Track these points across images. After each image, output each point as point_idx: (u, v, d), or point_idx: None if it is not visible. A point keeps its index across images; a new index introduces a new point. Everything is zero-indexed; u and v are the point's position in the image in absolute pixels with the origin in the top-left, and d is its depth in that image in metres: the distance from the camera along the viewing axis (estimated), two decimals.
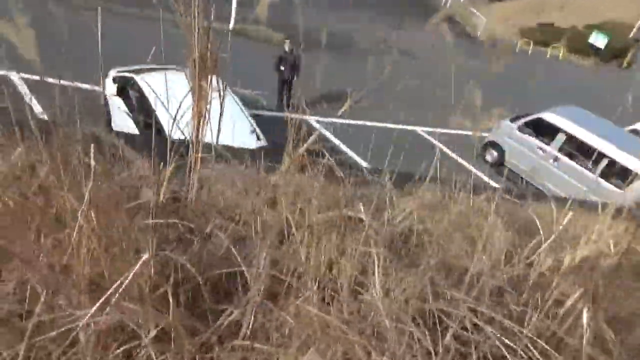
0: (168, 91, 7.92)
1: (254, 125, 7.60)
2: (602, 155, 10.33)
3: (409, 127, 13.09)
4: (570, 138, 10.80)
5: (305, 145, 2.59)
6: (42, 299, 1.47)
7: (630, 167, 10.00)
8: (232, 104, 7.91)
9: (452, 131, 13.47)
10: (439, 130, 13.25)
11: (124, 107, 8.16)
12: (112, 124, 8.91)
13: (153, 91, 7.45)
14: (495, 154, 12.16)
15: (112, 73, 9.19)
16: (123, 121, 8.27)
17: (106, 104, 9.20)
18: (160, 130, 6.81)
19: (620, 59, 28.73)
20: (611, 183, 10.25)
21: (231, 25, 16.02)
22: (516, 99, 18.64)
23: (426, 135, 12.96)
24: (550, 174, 11.10)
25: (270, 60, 15.43)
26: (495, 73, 21.21)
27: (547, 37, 28.25)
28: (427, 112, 14.30)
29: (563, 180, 10.89)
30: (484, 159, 12.40)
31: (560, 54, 27.33)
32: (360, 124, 12.47)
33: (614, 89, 24.77)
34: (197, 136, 2.41)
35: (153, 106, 7.24)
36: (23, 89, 8.08)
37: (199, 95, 2.24)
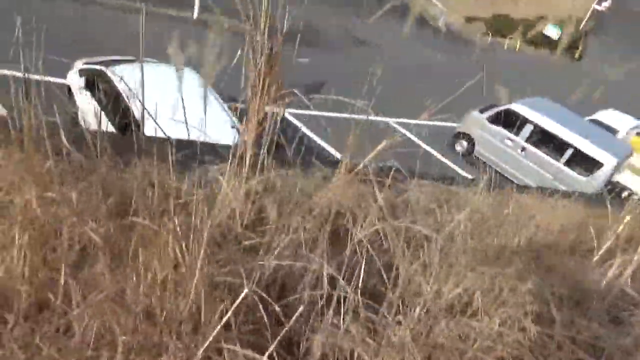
0: (145, 85, 7.54)
1: (234, 119, 7.38)
2: (567, 145, 10.74)
3: (382, 119, 13.15)
4: (537, 128, 11.15)
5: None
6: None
7: (593, 156, 10.45)
8: (211, 98, 7.66)
9: (423, 122, 13.67)
10: (412, 121, 13.41)
11: (93, 103, 7.75)
12: (80, 121, 8.47)
13: (126, 85, 7.12)
14: (465, 144, 12.42)
15: (78, 65, 8.71)
16: (92, 118, 7.86)
17: (70, 97, 8.73)
18: (138, 127, 6.51)
19: (572, 50, 29.93)
20: (576, 171, 10.68)
21: (195, 14, 15.53)
22: (478, 91, 19.15)
23: (399, 127, 13.06)
24: (519, 163, 11.45)
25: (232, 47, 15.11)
26: (459, 65, 21.77)
27: (503, 29, 29.03)
28: (396, 104, 14.43)
29: (531, 170, 11.26)
30: (454, 149, 12.63)
31: (517, 46, 28.17)
32: (333, 116, 12.43)
33: (570, 80, 25.85)
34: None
35: (128, 102, 6.90)
36: None
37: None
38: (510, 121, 11.61)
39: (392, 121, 13.27)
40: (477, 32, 28.20)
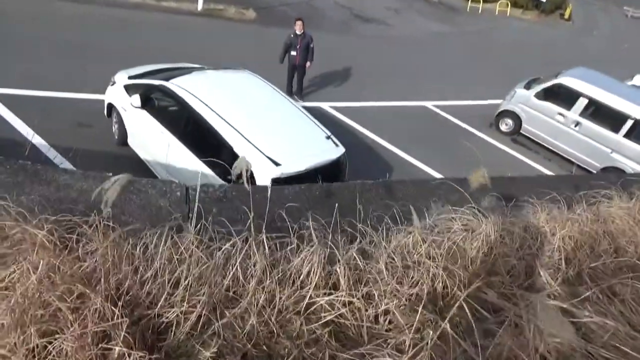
0: (218, 98, 6.69)
1: (326, 131, 6.59)
2: (625, 116, 10.38)
3: (418, 103, 12.52)
4: (592, 101, 10.74)
5: None
6: None
7: None
8: (298, 112, 6.85)
9: (460, 102, 13.13)
10: (449, 102, 12.85)
11: (153, 122, 6.81)
12: (130, 141, 7.53)
13: (201, 101, 6.24)
14: (510, 122, 11.94)
15: (121, 79, 7.70)
16: (151, 140, 6.94)
17: (115, 116, 7.74)
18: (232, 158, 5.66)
19: (559, 11, 29.77)
20: (637, 143, 10.35)
21: (199, 6, 14.34)
22: (496, 60, 18.75)
23: (437, 110, 12.47)
24: (572, 138, 11.06)
25: (249, 39, 14.11)
26: (464, 35, 21.24)
27: None
28: (422, 85, 13.84)
29: (587, 144, 10.89)
30: (498, 128, 12.15)
31: (508, 11, 27.76)
32: (371, 105, 11.74)
33: (570, 41, 25.77)
34: None
35: (211, 121, 6.03)
36: None
37: None
38: (560, 96, 11.16)
39: (430, 104, 12.68)
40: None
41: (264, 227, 2.08)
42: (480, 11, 26.63)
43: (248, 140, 5.82)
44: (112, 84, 7.79)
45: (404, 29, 20.10)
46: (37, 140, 7.00)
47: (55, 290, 1.55)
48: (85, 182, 2.46)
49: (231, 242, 1.99)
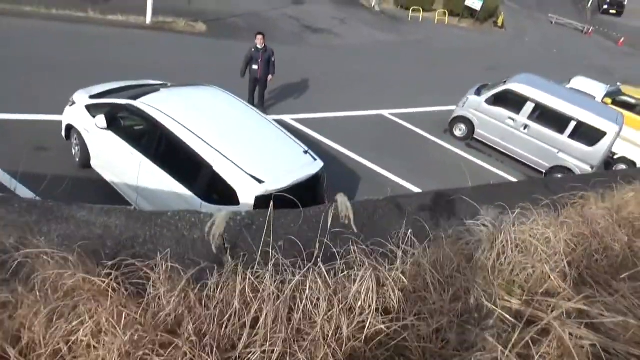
0: (189, 116, 6.59)
1: (303, 145, 6.57)
2: (569, 118, 11.11)
3: (375, 112, 12.79)
4: (538, 105, 11.42)
5: None
6: None
7: (596, 125, 10.92)
8: (273, 127, 6.79)
9: (414, 110, 13.54)
10: (404, 110, 13.21)
11: (121, 143, 6.54)
12: (94, 163, 7.18)
13: (174, 119, 6.07)
14: (464, 127, 12.45)
15: (81, 99, 7.34)
16: (117, 160, 6.66)
17: (76, 138, 7.36)
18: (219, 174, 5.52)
19: (492, 19, 31.44)
20: (581, 143, 11.10)
21: (148, 20, 13.94)
22: (441, 66, 19.49)
23: (394, 117, 12.78)
24: (522, 141, 11.70)
25: (202, 52, 13.85)
26: (409, 43, 21.93)
27: (422, 3, 29.34)
28: (376, 93, 14.17)
29: (535, 146, 11.56)
30: (452, 134, 12.63)
31: (446, 19, 28.98)
32: (332, 116, 11.86)
33: (505, 46, 27.22)
34: None
35: (187, 140, 5.87)
36: None
37: None
38: (508, 101, 11.78)
39: (386, 113, 12.99)
40: (399, 8, 28.45)
41: (320, 255, 2.06)
42: (420, 20, 27.65)
43: (227, 158, 5.72)
44: (71, 104, 7.41)
45: (352, 39, 20.51)
46: None
47: (143, 345, 1.45)
48: (106, 218, 2.33)
49: (299, 274, 1.96)
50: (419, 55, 20.68)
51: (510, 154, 12.03)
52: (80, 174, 7.34)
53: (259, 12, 18.98)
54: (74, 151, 7.49)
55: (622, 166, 12.38)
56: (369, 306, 1.94)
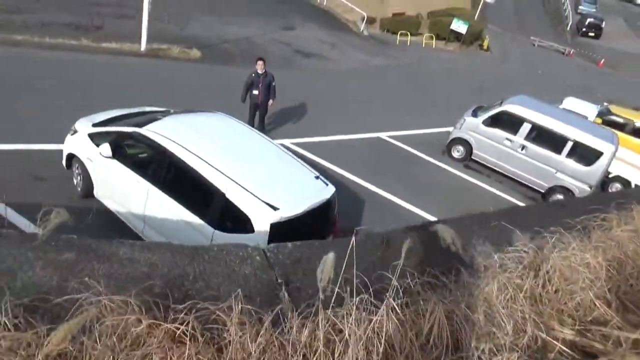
0: (200, 145, 6.52)
1: (314, 171, 6.49)
2: (566, 139, 11.25)
3: (373, 135, 12.82)
4: (535, 126, 11.55)
5: None
6: None
7: (593, 146, 11.06)
8: (283, 153, 6.71)
9: (411, 132, 13.60)
10: (401, 132, 13.27)
11: (127, 172, 6.40)
12: (97, 193, 7.00)
13: (183, 147, 5.96)
14: (462, 149, 12.52)
15: (83, 127, 7.20)
16: (123, 189, 6.51)
17: (77, 167, 7.19)
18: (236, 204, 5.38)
19: (477, 42, 32.10)
20: (578, 163, 11.22)
21: (143, 47, 13.91)
22: (433, 88, 19.72)
23: (392, 140, 12.82)
24: (520, 161, 11.79)
25: (198, 78, 13.81)
26: (400, 67, 22.28)
27: (408, 28, 29.80)
28: (372, 116, 14.24)
29: (533, 166, 11.65)
30: (450, 155, 12.69)
31: (433, 43, 29.50)
32: (331, 140, 11.84)
33: (492, 68, 27.74)
34: None
35: (197, 167, 5.75)
36: None
37: None
38: (506, 122, 11.90)
39: (384, 135, 13.02)
40: (385, 32, 28.84)
41: (392, 290, 1.97)
42: (409, 44, 28.08)
43: (240, 185, 5.61)
44: (73, 133, 7.26)
45: (344, 63, 20.71)
46: None
47: None
48: (150, 254, 2.21)
49: (379, 311, 1.85)
50: (410, 77, 20.93)
51: (509, 175, 12.10)
52: (84, 203, 7.15)
53: (250, 37, 19.10)
54: (75, 181, 7.32)
55: (618, 185, 12.50)
56: (442, 341, 1.85)
